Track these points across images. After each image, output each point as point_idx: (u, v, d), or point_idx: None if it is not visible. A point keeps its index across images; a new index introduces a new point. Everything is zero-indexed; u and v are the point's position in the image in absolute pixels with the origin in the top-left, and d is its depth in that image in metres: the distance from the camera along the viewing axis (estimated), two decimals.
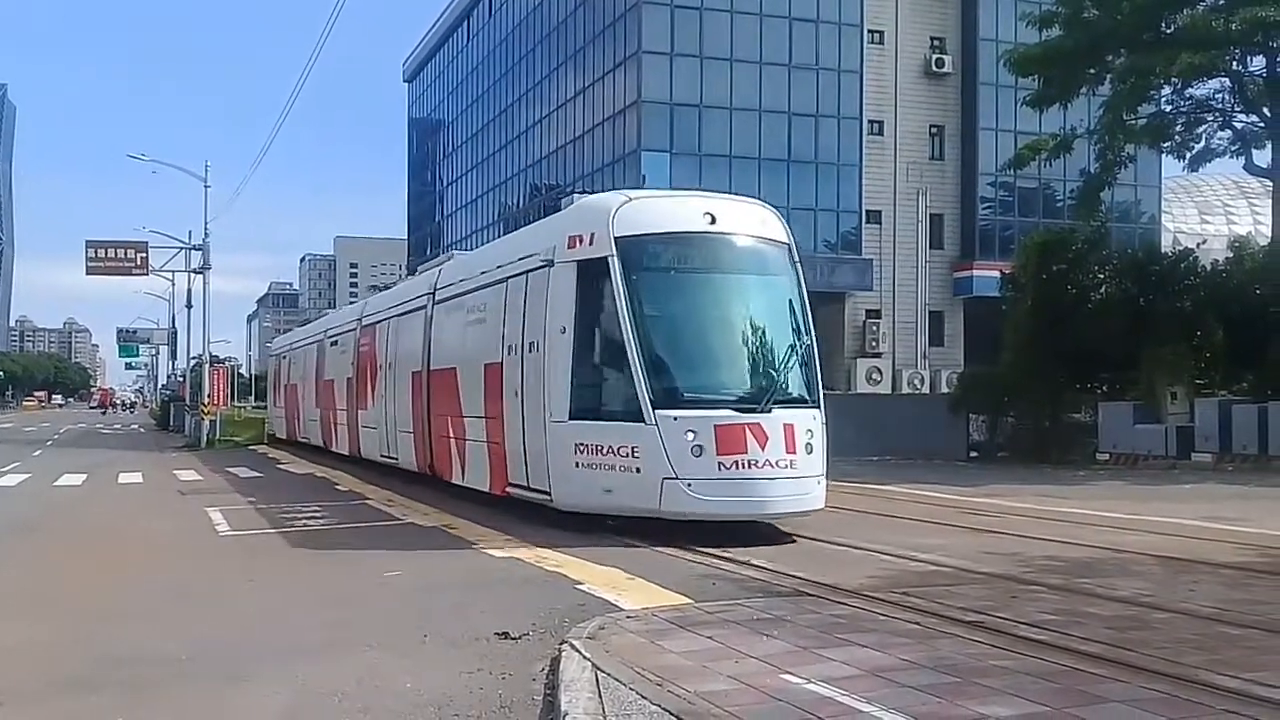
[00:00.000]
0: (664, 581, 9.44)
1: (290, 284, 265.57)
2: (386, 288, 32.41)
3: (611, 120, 58.94)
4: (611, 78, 59.17)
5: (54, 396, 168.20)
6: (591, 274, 12.73)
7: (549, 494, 13.08)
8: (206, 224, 43.24)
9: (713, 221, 12.93)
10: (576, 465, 12.53)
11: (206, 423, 40.04)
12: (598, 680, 5.98)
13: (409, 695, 6.30)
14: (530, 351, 13.54)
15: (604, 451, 12.31)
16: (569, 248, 13.06)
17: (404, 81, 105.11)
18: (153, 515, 17.16)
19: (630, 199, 13.28)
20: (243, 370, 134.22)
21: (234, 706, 6.33)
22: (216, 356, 62.27)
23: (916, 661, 6.35)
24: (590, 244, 12.79)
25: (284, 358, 39.45)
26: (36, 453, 34.70)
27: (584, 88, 63.09)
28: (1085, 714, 5.30)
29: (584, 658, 6.45)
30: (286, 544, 13.14)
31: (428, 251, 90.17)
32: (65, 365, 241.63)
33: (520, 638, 7.56)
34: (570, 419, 12.65)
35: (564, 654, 6.61)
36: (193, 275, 45.67)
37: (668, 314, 12.84)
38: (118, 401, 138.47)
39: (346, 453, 26.10)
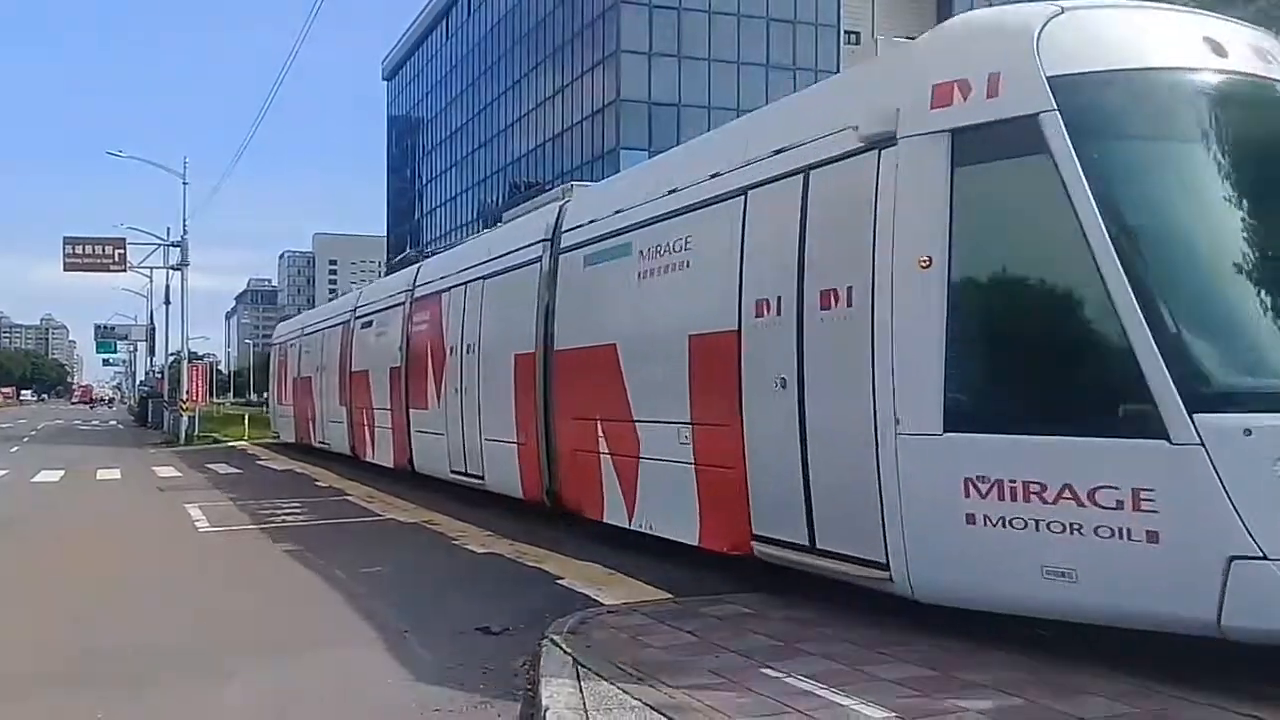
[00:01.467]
0: (645, 577, 9.44)
1: (269, 280, 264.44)
2: (425, 256, 23.95)
3: (590, 119, 59.25)
4: (590, 76, 59.45)
5: (22, 393, 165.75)
6: (994, 151, 6.94)
7: (884, 567, 7.14)
8: (185, 221, 43.07)
9: (1218, 52, 6.97)
10: (970, 521, 6.58)
11: (185, 419, 39.85)
12: (579, 674, 6.00)
13: (390, 690, 6.31)
14: (827, 308, 7.74)
15: (1048, 496, 6.27)
16: (936, 105, 7.14)
17: (383, 80, 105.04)
18: (132, 512, 17.11)
19: (1063, 8, 7.03)
20: (221, 367, 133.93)
21: (215, 704, 6.31)
22: (195, 353, 61.90)
23: (897, 655, 6.40)
24: (992, 93, 6.89)
25: (291, 346, 32.43)
26: (13, 449, 34.41)
27: (563, 86, 63.32)
28: (1063, 706, 5.35)
29: (565, 652, 6.47)
30: (267, 540, 13.08)
31: (407, 248, 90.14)
32: (42, 361, 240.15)
33: (501, 633, 7.57)
34: (949, 430, 6.74)
35: (545, 649, 6.62)
36: (171, 272, 45.49)
37: (1179, 226, 6.74)
38: (97, 397, 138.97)
39: (390, 465, 19.81)
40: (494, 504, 14.34)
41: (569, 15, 63.21)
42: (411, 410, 18.34)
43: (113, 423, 66.52)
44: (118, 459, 29.56)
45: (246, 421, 43.35)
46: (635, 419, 10.63)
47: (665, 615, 7.70)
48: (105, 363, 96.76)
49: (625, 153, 53.24)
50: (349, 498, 17.90)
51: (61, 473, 24.16)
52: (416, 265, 20.70)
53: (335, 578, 10.22)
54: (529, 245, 13.58)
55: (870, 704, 5.41)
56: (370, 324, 22.06)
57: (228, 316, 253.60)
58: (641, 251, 10.63)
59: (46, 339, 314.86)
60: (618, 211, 11.36)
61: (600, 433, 11.35)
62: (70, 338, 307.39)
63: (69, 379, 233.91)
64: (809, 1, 57.26)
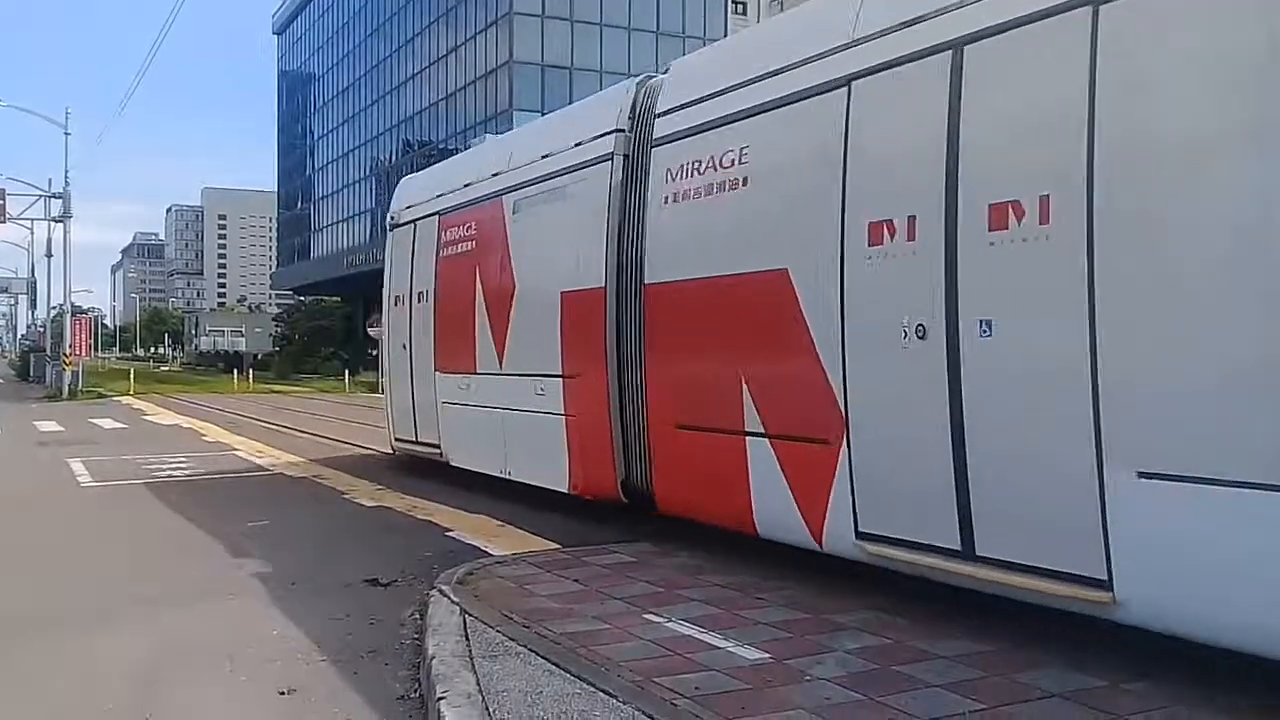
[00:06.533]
0: (534, 528, 9.59)
1: (156, 234, 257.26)
2: None
3: (484, 79, 59.11)
4: (484, 37, 59.28)
5: None
6: None
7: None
8: (67, 172, 41.80)
9: None
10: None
11: (68, 373, 38.87)
12: (465, 624, 6.08)
13: (275, 642, 6.31)
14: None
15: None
16: None
17: (274, 34, 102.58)
18: (11, 467, 16.67)
19: None
20: (107, 321, 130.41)
21: (97, 657, 6.25)
22: (79, 306, 60.24)
23: (771, 599, 6.63)
24: None
25: (554, 200, 10.43)
26: None
27: (456, 46, 62.91)
28: (926, 645, 5.61)
29: (452, 602, 6.55)
30: (151, 495, 12.86)
31: (298, 205, 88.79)
32: None
33: (390, 584, 7.63)
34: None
35: (432, 599, 6.70)
36: (53, 224, 44.04)
37: None
38: None
39: None
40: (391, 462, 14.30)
41: None
42: None
43: None
44: None
45: (132, 376, 42.40)
46: None
47: (552, 565, 7.84)
48: None
49: (519, 114, 53.00)
50: (237, 452, 17.65)
51: None
52: None
53: (221, 532, 10.11)
54: None
55: (745, 645, 5.62)
56: None
57: (114, 270, 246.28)
58: None
59: None
60: None
61: None
62: None
63: None
64: None
